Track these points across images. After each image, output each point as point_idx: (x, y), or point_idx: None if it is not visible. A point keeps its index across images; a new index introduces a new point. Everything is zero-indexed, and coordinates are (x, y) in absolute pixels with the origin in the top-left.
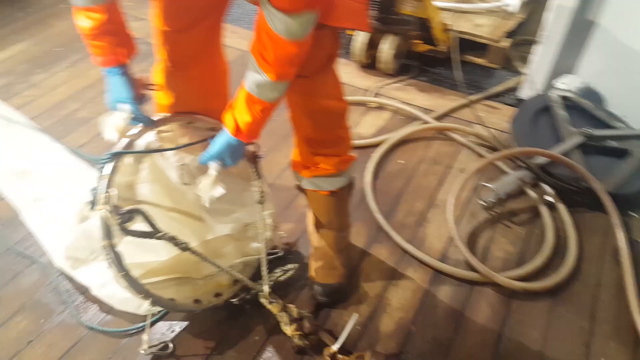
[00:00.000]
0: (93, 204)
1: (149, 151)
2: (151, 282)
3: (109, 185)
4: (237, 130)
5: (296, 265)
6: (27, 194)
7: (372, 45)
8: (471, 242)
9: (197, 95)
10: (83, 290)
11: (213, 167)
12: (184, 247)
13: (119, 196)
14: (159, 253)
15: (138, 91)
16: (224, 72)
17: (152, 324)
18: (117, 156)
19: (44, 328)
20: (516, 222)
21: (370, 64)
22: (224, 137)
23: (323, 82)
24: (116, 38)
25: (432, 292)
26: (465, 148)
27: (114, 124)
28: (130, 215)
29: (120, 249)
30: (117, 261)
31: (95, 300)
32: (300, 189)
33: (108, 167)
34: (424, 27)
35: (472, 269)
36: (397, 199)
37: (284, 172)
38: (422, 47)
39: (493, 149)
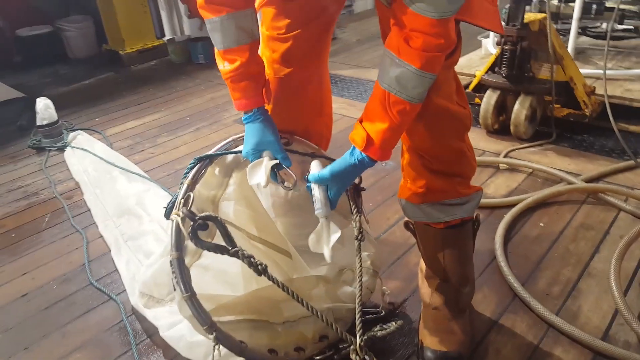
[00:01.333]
0: (169, 212)
1: (232, 152)
2: (222, 321)
3: (188, 191)
4: (367, 143)
5: (400, 322)
6: (122, 234)
7: (502, 110)
8: None
9: (297, 109)
10: (151, 333)
11: (317, 200)
12: (261, 270)
13: (198, 208)
14: (235, 287)
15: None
16: (328, 90)
17: None
18: (202, 161)
19: None
20: None
21: (499, 130)
22: (346, 157)
23: (443, 79)
24: (256, 81)
25: None
26: (626, 214)
27: (265, 168)
28: (204, 223)
29: (193, 272)
30: (184, 279)
31: (162, 345)
32: (409, 227)
33: (190, 173)
34: (563, 89)
35: None
36: (537, 265)
37: (392, 227)
38: (561, 112)
39: None
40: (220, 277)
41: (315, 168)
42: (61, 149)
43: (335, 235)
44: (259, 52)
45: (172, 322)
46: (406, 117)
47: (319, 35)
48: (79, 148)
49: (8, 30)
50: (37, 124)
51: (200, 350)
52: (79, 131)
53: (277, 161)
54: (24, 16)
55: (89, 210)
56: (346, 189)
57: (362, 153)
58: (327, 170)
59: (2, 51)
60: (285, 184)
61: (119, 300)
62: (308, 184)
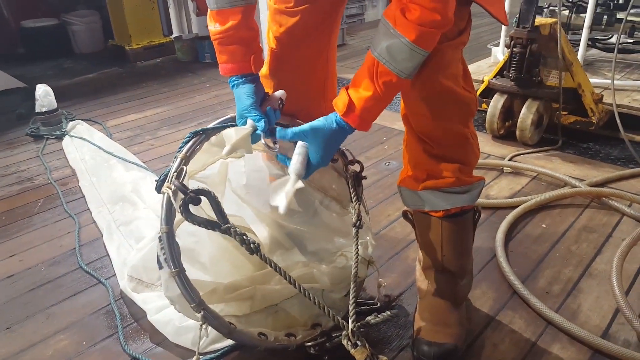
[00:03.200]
0: (160, 184)
1: (228, 125)
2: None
3: (181, 164)
4: (348, 108)
5: (395, 311)
6: (115, 220)
7: (509, 116)
8: None
9: (300, 90)
10: (138, 317)
11: (296, 156)
12: (253, 249)
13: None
14: (207, 271)
15: (271, 104)
16: (333, 75)
17: None
18: (197, 136)
19: (83, 351)
20: None
21: (505, 136)
22: (328, 117)
23: (450, 59)
24: (246, 46)
25: None
26: (629, 218)
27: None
28: (197, 197)
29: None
30: (173, 254)
31: (149, 329)
32: (408, 217)
33: (185, 147)
34: (571, 97)
35: None
36: (537, 264)
37: (392, 223)
38: (567, 119)
39: None
40: (193, 258)
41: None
42: (59, 138)
43: (297, 185)
44: (269, 24)
45: (161, 306)
46: (391, 90)
47: (328, 13)
48: (77, 137)
49: (13, 21)
50: (36, 110)
51: (188, 336)
52: (79, 121)
53: (251, 130)
54: (30, 7)
55: (84, 196)
56: (345, 177)
57: (341, 118)
58: (307, 125)
59: (6, 42)
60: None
61: (108, 284)
62: (279, 137)
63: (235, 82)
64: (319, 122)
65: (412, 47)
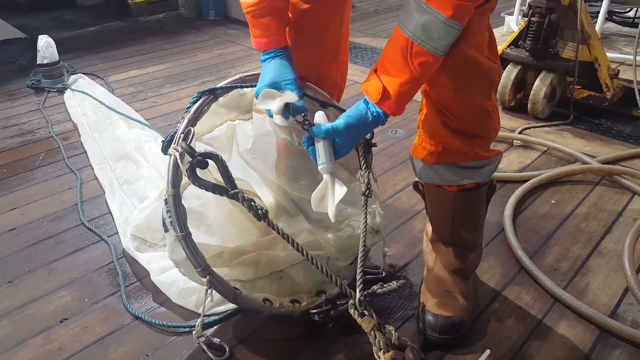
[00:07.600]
0: (167, 146)
1: (243, 86)
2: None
3: (189, 126)
4: (383, 95)
5: (402, 281)
6: (118, 177)
7: (521, 87)
8: None
9: (313, 51)
10: (141, 277)
11: (322, 153)
12: (261, 215)
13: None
14: (213, 233)
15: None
16: (346, 36)
17: (209, 325)
18: (205, 96)
19: (85, 308)
20: None
21: (515, 108)
22: (360, 109)
23: (476, 28)
24: (279, 18)
25: (597, 357)
26: None
27: (280, 99)
28: (204, 160)
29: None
30: (179, 218)
31: (152, 289)
32: (419, 188)
33: (193, 107)
34: (586, 71)
35: None
36: (545, 240)
37: (399, 193)
38: (580, 94)
39: None
40: (199, 222)
41: (320, 119)
42: (61, 91)
43: (341, 193)
44: None
45: (165, 267)
46: (427, 70)
47: None
48: (79, 91)
49: None
50: (38, 62)
51: (192, 298)
52: (80, 74)
53: (297, 98)
54: None
55: (85, 152)
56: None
57: (376, 106)
58: (341, 122)
59: None
60: (304, 119)
61: (110, 242)
62: (308, 136)
63: (272, 55)
64: (351, 118)
65: (449, 23)
